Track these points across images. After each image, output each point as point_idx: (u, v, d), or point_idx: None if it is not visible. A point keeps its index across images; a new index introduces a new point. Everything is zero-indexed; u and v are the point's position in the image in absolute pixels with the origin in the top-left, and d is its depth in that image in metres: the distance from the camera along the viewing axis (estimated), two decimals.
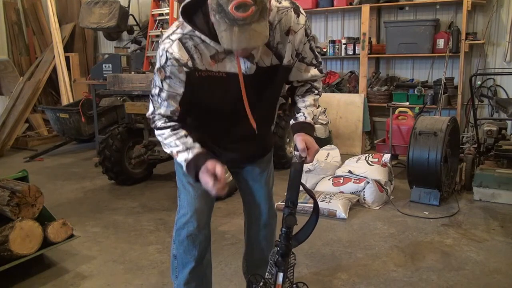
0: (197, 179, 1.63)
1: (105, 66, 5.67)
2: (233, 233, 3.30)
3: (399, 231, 3.31)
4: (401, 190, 4.20)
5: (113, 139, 4.47)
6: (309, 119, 1.79)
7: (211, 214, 2.02)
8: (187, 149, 1.67)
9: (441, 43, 5.29)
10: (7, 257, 2.55)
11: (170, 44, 1.58)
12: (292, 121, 1.83)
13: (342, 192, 3.90)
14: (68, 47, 7.62)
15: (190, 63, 1.58)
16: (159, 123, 1.70)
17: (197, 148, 1.67)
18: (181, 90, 1.64)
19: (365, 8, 5.57)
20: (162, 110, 1.69)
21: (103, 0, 6.75)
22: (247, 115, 1.74)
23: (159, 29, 6.37)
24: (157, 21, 6.51)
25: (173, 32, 1.60)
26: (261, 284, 1.72)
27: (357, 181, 3.93)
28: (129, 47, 7.36)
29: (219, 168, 1.58)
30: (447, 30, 5.36)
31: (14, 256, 2.55)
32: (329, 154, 4.49)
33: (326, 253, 2.98)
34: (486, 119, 4.71)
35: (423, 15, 5.60)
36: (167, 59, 1.58)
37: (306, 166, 4.24)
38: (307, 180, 4.19)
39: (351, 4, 5.79)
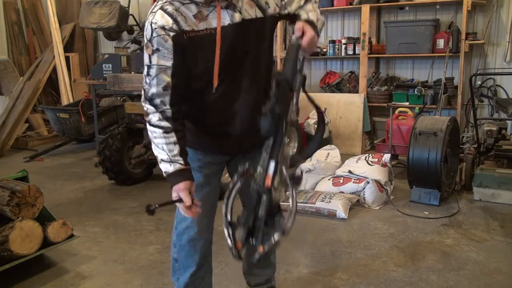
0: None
1: (105, 66, 5.67)
2: None
3: (399, 231, 3.31)
4: (401, 190, 4.20)
5: (113, 139, 4.47)
6: (312, 17, 1.71)
7: (214, 218, 2.03)
8: (171, 161, 1.67)
9: (441, 43, 5.28)
10: (7, 257, 2.55)
11: (153, 16, 1.61)
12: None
13: (342, 192, 3.90)
14: (68, 47, 7.62)
15: (175, 26, 1.59)
16: (153, 119, 1.67)
17: (179, 164, 1.68)
18: (170, 62, 1.62)
19: (365, 8, 5.57)
20: (154, 89, 1.65)
21: (103, 0, 6.75)
22: (241, 83, 1.72)
23: None
24: None
25: (155, 6, 1.64)
26: (248, 168, 1.53)
27: (357, 181, 3.93)
28: (129, 47, 7.35)
29: (184, 195, 1.65)
30: (447, 30, 5.35)
31: (14, 256, 2.55)
32: (329, 154, 4.49)
33: (326, 253, 2.98)
34: (486, 119, 4.71)
35: (423, 15, 5.60)
36: (152, 30, 1.60)
37: (306, 166, 4.25)
38: (307, 180, 4.19)
39: (351, 4, 5.79)
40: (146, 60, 1.64)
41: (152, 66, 1.62)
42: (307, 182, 4.19)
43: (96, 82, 5.66)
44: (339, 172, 4.24)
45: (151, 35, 1.60)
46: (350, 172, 4.12)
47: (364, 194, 3.84)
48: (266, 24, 1.73)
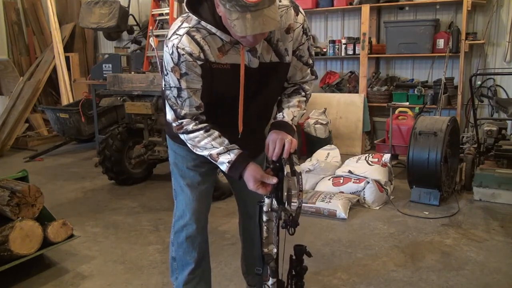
0: (240, 178, 1.66)
1: (105, 66, 5.67)
2: (233, 233, 3.30)
3: (399, 231, 3.31)
4: (401, 190, 4.20)
5: (113, 139, 4.47)
6: (286, 119, 1.74)
7: (208, 215, 2.03)
8: (227, 150, 1.66)
9: (441, 43, 5.29)
10: (7, 257, 2.55)
11: (179, 40, 1.55)
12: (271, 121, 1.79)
13: (342, 192, 3.89)
14: (68, 47, 7.62)
15: (202, 55, 1.56)
16: (190, 127, 1.66)
17: (237, 148, 1.67)
18: (199, 84, 1.61)
19: (365, 8, 5.57)
20: (186, 109, 1.65)
21: (103, 0, 6.75)
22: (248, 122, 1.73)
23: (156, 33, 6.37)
24: (157, 21, 6.51)
25: (179, 27, 1.57)
26: None
27: (357, 181, 3.93)
28: (129, 47, 7.36)
29: (261, 173, 1.63)
30: (447, 30, 5.35)
31: (14, 256, 2.55)
32: (329, 154, 4.49)
33: (326, 253, 2.98)
34: (486, 119, 4.71)
35: (423, 15, 5.60)
36: (179, 55, 1.55)
37: (306, 166, 4.25)
38: (307, 180, 4.19)
39: (351, 4, 5.79)
40: (174, 82, 1.61)
41: (182, 88, 1.61)
42: (307, 182, 4.19)
43: (96, 82, 5.66)
44: (339, 172, 4.23)
45: (178, 59, 1.56)
46: (350, 172, 4.12)
47: (364, 194, 3.84)
48: (280, 69, 1.73)
